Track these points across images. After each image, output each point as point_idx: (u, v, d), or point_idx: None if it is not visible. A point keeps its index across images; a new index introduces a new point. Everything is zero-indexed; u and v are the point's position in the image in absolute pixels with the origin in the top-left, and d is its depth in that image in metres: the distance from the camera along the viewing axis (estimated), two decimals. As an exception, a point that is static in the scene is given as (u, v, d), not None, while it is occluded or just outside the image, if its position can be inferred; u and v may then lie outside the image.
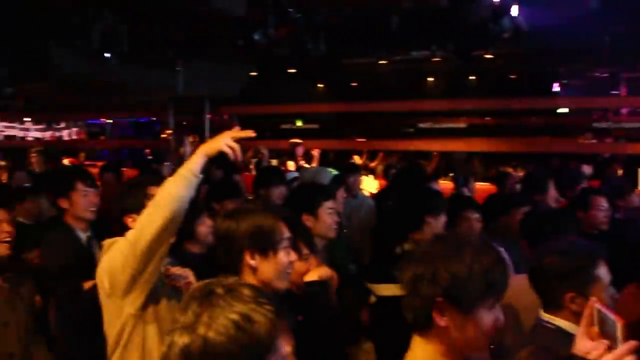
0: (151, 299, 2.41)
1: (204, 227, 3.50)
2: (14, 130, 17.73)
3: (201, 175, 2.18)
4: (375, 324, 3.10)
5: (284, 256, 2.08)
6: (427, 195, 3.49)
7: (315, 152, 7.56)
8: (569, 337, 1.80)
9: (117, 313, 2.40)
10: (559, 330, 1.98)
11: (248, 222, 2.06)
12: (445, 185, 5.84)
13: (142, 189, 2.56)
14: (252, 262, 2.04)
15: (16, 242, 3.20)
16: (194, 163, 2.17)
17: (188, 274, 2.57)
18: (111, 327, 2.44)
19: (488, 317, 1.52)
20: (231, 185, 4.64)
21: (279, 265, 2.07)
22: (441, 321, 1.51)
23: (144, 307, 2.37)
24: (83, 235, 3.45)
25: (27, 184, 5.63)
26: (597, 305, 1.60)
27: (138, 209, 2.43)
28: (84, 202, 3.44)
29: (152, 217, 2.15)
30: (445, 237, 1.69)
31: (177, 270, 2.57)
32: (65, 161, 10.45)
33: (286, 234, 2.11)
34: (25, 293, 3.02)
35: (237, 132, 2.26)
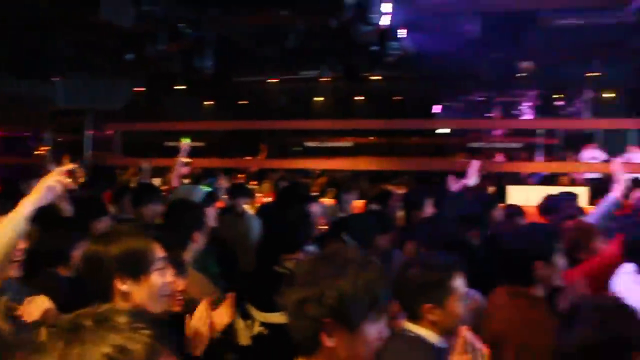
0: None
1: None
2: None
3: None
4: (258, 351, 3.03)
5: (158, 278, 1.99)
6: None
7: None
8: (428, 344, 2.03)
9: None
10: (419, 338, 2.07)
11: (117, 245, 1.95)
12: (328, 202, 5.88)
13: None
14: (124, 288, 1.94)
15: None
16: (24, 210, 2.15)
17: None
18: None
19: (373, 330, 1.54)
20: (97, 205, 4.31)
21: (153, 288, 1.97)
22: (329, 342, 1.50)
23: None
24: None
25: None
26: (466, 334, 1.75)
27: None
28: None
29: None
30: (328, 255, 1.64)
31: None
32: None
33: (159, 254, 2.01)
34: None
35: (61, 169, 2.27)
